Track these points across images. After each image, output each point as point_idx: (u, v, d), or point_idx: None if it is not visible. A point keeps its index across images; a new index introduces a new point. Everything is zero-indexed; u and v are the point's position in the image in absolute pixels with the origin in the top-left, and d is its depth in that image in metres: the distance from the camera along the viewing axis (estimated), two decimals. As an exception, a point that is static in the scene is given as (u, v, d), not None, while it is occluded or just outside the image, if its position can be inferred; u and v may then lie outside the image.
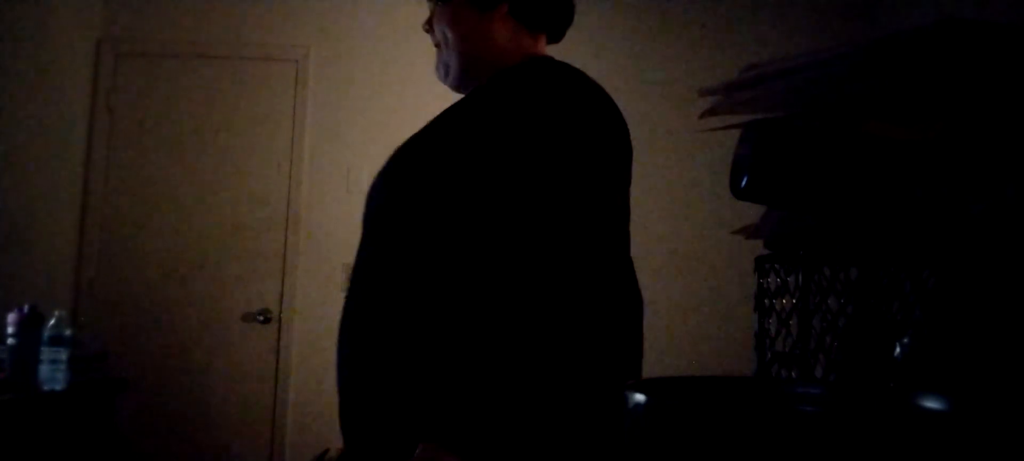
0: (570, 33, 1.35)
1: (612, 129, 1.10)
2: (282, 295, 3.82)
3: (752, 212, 1.76)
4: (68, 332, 2.59)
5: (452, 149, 1.09)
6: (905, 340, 1.33)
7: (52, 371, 2.53)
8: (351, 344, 1.11)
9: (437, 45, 1.29)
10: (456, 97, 1.27)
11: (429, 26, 1.29)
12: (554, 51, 1.33)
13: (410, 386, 1.01)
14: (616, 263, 1.01)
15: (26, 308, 2.57)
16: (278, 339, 3.80)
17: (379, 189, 1.16)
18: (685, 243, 3.79)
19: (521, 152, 1.03)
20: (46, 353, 2.53)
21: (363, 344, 1.08)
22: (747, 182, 1.46)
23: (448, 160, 1.08)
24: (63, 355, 2.55)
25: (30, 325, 2.55)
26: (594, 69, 1.24)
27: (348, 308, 1.14)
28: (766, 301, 1.59)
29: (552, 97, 1.08)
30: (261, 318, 3.79)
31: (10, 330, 2.55)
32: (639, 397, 0.89)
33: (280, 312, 3.81)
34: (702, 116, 1.69)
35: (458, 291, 1.02)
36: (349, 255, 1.23)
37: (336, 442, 1.24)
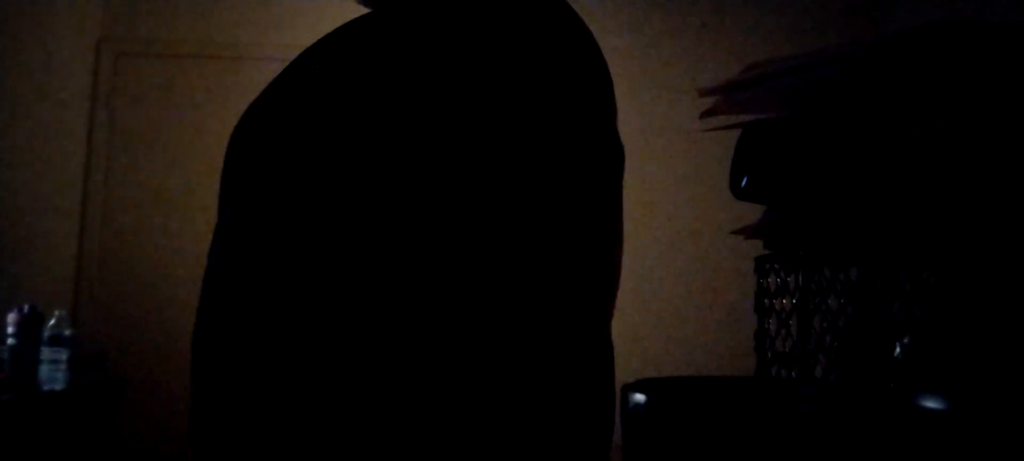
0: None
1: (595, 86, 0.78)
2: (282, 295, 3.80)
3: (752, 212, 1.76)
4: (68, 332, 2.59)
5: (357, 90, 0.77)
6: (905, 340, 1.33)
7: (52, 371, 2.53)
8: (210, 345, 0.81)
9: None
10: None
11: None
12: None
13: (281, 402, 0.72)
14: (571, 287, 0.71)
15: (26, 308, 2.57)
16: (278, 339, 3.79)
17: (249, 135, 0.83)
18: (685, 243, 3.78)
19: (451, 109, 0.72)
20: (46, 353, 2.53)
21: (224, 346, 0.79)
22: (747, 182, 1.46)
23: (350, 105, 0.76)
24: (63, 355, 2.55)
25: (30, 325, 2.55)
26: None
27: (206, 294, 0.83)
28: (766, 301, 1.59)
29: (507, 34, 0.76)
30: (261, 318, 3.79)
31: (10, 330, 2.55)
32: (639, 397, 0.89)
33: (280, 312, 3.80)
34: (702, 116, 1.69)
35: (351, 290, 0.71)
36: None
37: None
